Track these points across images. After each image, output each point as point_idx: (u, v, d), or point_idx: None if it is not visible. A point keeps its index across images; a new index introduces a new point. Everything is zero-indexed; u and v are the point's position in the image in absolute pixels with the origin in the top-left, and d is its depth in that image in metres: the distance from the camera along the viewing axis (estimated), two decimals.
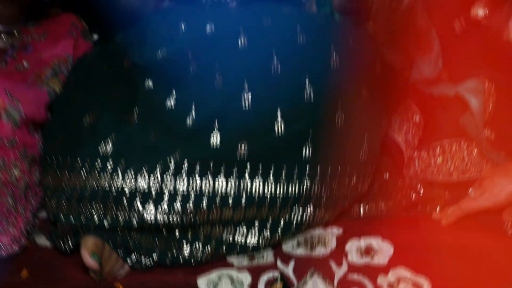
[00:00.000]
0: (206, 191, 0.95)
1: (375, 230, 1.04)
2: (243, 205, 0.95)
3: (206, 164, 0.95)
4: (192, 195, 0.94)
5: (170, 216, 0.94)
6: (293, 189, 0.97)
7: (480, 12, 1.06)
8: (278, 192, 0.97)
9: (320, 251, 1.00)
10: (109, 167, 0.96)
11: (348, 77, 1.03)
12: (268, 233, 0.99)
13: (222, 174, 0.95)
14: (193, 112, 1.00)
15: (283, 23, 1.06)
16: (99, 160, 0.96)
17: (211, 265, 0.98)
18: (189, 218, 0.95)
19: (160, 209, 0.94)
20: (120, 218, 0.94)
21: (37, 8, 1.21)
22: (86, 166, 0.96)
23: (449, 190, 1.11)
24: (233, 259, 0.99)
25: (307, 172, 0.97)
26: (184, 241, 0.98)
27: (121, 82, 1.11)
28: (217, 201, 0.95)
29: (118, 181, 0.94)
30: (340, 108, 1.00)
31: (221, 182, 0.95)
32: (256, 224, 0.98)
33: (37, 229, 1.05)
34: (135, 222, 0.94)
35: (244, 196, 0.95)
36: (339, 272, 0.97)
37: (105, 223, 0.94)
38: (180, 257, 0.97)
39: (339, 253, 1.00)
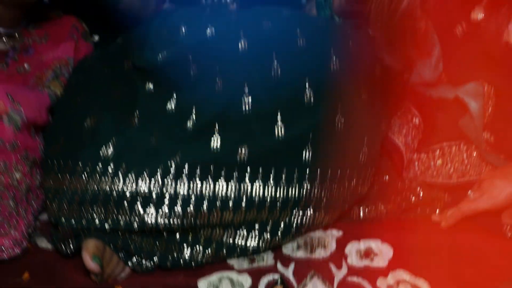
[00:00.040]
0: (207, 194, 0.95)
1: (375, 233, 1.04)
2: (243, 208, 0.96)
3: (207, 168, 0.96)
4: (193, 198, 0.95)
5: (171, 219, 0.94)
6: (293, 192, 0.97)
7: (480, 15, 1.06)
8: (278, 195, 0.97)
9: (320, 253, 1.01)
10: (110, 170, 0.96)
11: (348, 80, 1.04)
12: (268, 236, 0.99)
13: (222, 177, 0.96)
14: (194, 115, 1.01)
15: (283, 26, 1.06)
16: (100, 163, 0.97)
17: (212, 268, 0.98)
18: (189, 221, 0.95)
19: (161, 212, 0.94)
20: (121, 221, 0.94)
21: (38, 10, 1.21)
22: (87, 169, 0.97)
23: (449, 192, 1.11)
24: (233, 262, 1.00)
25: (307, 175, 0.98)
26: (184, 244, 0.98)
27: (122, 85, 1.11)
28: (218, 204, 0.95)
29: (119, 184, 0.95)
30: (340, 111, 1.01)
31: (221, 185, 0.96)
32: (257, 227, 0.99)
33: (38, 231, 1.06)
34: (136, 225, 0.95)
35: (244, 199, 0.96)
36: (339, 274, 0.97)
37: (106, 226, 0.95)
38: (181, 259, 0.98)
39: (338, 255, 1.00)
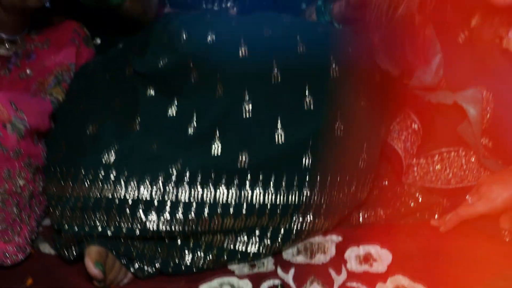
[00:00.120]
0: (208, 200, 0.96)
1: (374, 238, 1.05)
2: (244, 214, 0.97)
3: (208, 174, 0.97)
4: (194, 205, 0.96)
5: (172, 226, 0.96)
6: (293, 198, 0.98)
7: (476, 23, 1.07)
8: (278, 201, 0.98)
9: (319, 258, 1.02)
10: (112, 177, 0.97)
11: (347, 87, 1.05)
12: (268, 241, 1.00)
13: (223, 184, 0.97)
14: (195, 121, 1.02)
15: (284, 32, 1.07)
16: (102, 169, 0.98)
17: (213, 273, 0.99)
18: (191, 227, 0.96)
19: (162, 219, 0.95)
20: (123, 228, 0.96)
21: (39, 15, 1.22)
22: (89, 176, 0.98)
23: (448, 197, 1.12)
24: (234, 267, 1.01)
25: (307, 181, 0.99)
26: (186, 249, 0.99)
27: (123, 90, 1.12)
28: (219, 210, 0.96)
29: (121, 191, 0.96)
30: (340, 117, 1.02)
31: (222, 192, 0.97)
32: (257, 232, 1.00)
33: (41, 237, 1.07)
34: (138, 232, 0.96)
35: (245, 205, 0.97)
36: (339, 279, 0.98)
37: (109, 232, 0.96)
38: (182, 265, 0.99)
39: (338, 260, 1.01)
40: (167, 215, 0.95)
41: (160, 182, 0.96)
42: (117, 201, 0.96)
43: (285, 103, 1.01)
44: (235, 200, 0.97)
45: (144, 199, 0.96)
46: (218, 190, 0.96)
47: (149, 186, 0.96)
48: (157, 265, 0.99)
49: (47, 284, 0.98)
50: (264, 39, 1.06)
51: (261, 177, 0.98)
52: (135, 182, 0.96)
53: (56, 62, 1.21)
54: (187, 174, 0.96)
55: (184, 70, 1.05)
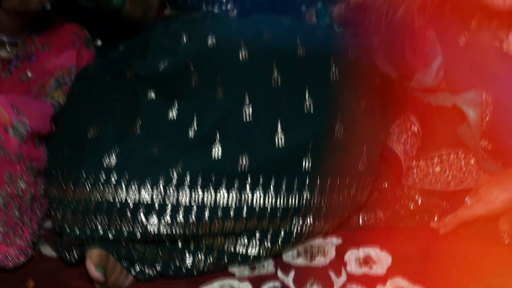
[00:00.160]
0: (208, 203, 0.97)
1: (374, 240, 1.05)
2: (244, 216, 0.98)
3: (208, 177, 0.97)
4: (194, 207, 0.97)
5: (173, 228, 0.96)
6: (293, 200, 0.99)
7: (475, 25, 1.07)
8: (278, 203, 0.99)
9: (319, 261, 1.02)
10: (113, 180, 0.98)
11: (347, 89, 1.05)
12: (268, 244, 1.01)
13: (223, 187, 0.97)
14: (195, 124, 1.02)
15: (284, 35, 1.08)
16: (103, 173, 0.98)
17: (213, 275, 1.00)
18: (191, 229, 0.97)
19: (163, 221, 0.96)
20: (124, 230, 0.96)
21: (40, 17, 1.22)
22: (90, 179, 0.98)
23: (447, 199, 1.13)
24: (234, 269, 1.02)
25: (307, 183, 0.99)
26: (186, 252, 1.00)
27: (124, 94, 1.13)
28: (219, 213, 0.97)
29: (122, 194, 0.97)
30: (340, 120, 1.02)
31: (222, 195, 0.97)
32: (257, 235, 1.00)
33: (43, 239, 1.07)
34: (138, 234, 0.96)
35: (245, 207, 0.98)
36: (338, 282, 0.99)
37: (110, 235, 0.96)
38: (183, 267, 0.99)
39: (338, 263, 1.02)
40: (168, 218, 0.96)
41: (161, 185, 0.96)
42: (118, 204, 0.96)
43: (285, 106, 1.02)
44: (235, 203, 0.97)
45: (145, 202, 0.96)
46: (218, 193, 0.97)
47: (150, 189, 0.96)
48: (158, 267, 0.99)
49: (49, 287, 0.99)
50: (264, 42, 1.06)
51: (261, 180, 0.98)
52: (136, 186, 0.97)
53: (56, 64, 1.21)
54: (188, 177, 0.97)
55: (185, 73, 1.06)
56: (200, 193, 0.97)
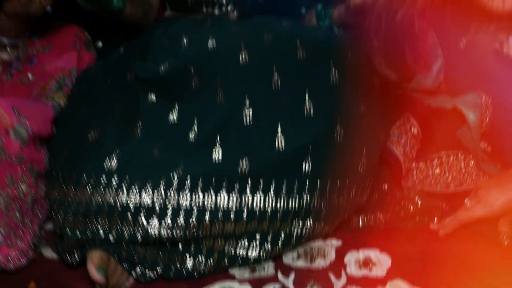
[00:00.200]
0: (209, 206, 0.97)
1: (374, 242, 1.06)
2: (244, 219, 0.98)
3: (209, 180, 0.97)
4: (195, 210, 0.97)
5: (174, 231, 0.96)
6: (293, 203, 0.99)
7: (474, 29, 1.07)
8: (278, 206, 0.99)
9: (319, 263, 1.03)
10: (114, 182, 0.98)
11: (347, 92, 1.05)
12: (269, 246, 1.01)
13: (224, 189, 0.98)
14: (196, 126, 1.02)
15: (284, 38, 1.08)
16: (104, 175, 0.99)
17: (214, 277, 1.00)
18: (192, 232, 0.97)
19: (164, 224, 0.96)
20: (125, 233, 0.96)
21: (41, 20, 1.22)
22: (91, 182, 0.99)
23: (447, 201, 1.13)
24: (235, 271, 1.02)
25: (307, 186, 0.99)
26: (187, 254, 1.00)
27: (124, 96, 1.13)
28: (219, 216, 0.97)
29: (123, 196, 0.97)
30: (339, 123, 1.03)
31: (223, 197, 0.98)
32: (257, 237, 1.01)
33: (44, 241, 1.08)
34: (139, 237, 0.97)
35: (245, 210, 0.98)
36: (338, 284, 0.99)
37: (111, 237, 0.96)
38: (184, 269, 1.00)
39: (338, 265, 1.02)
40: (168, 221, 0.96)
41: (161, 188, 0.97)
42: (119, 206, 0.97)
43: (285, 109, 1.02)
44: (235, 206, 0.98)
45: (145, 204, 0.96)
46: (219, 196, 0.97)
47: (151, 192, 0.97)
48: (159, 269, 0.99)
49: None
50: (264, 45, 1.06)
51: (261, 182, 0.98)
52: (137, 188, 0.97)
53: (57, 66, 1.22)
54: (188, 180, 0.97)
55: (185, 76, 1.06)
56: (201, 196, 0.97)
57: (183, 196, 0.97)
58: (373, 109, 1.09)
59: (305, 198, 0.99)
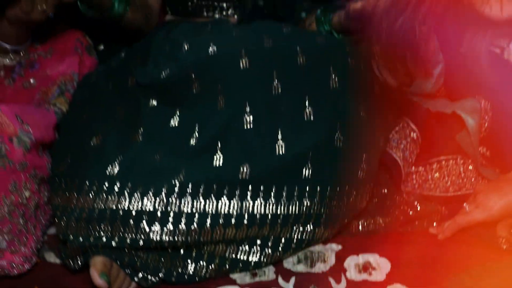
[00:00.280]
0: (210, 211, 0.98)
1: (373, 246, 1.07)
2: (245, 225, 0.99)
3: (210, 186, 0.98)
4: (197, 216, 0.98)
5: (176, 236, 0.97)
6: (294, 208, 1.00)
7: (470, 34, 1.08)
8: (279, 211, 1.00)
9: (319, 267, 1.04)
10: (116, 188, 0.99)
11: (347, 98, 1.06)
12: (269, 251, 1.02)
13: (225, 195, 0.98)
14: (197, 132, 1.03)
15: (284, 44, 1.08)
16: (106, 182, 0.99)
17: (215, 282, 1.01)
18: (193, 237, 0.98)
19: (165, 229, 0.97)
20: (128, 239, 0.97)
21: (43, 24, 1.23)
22: (94, 188, 1.00)
23: (446, 205, 1.14)
24: (236, 276, 1.03)
25: (307, 191, 1.00)
26: (189, 259, 1.01)
27: (126, 101, 1.14)
28: (220, 221, 0.98)
29: (125, 203, 0.98)
30: (339, 128, 1.03)
31: (224, 203, 0.98)
32: (258, 242, 1.02)
33: (47, 246, 1.08)
34: (141, 242, 0.97)
35: (246, 216, 0.99)
36: None
37: (113, 243, 0.97)
38: (185, 274, 1.01)
39: (338, 269, 1.03)
40: (170, 226, 0.97)
41: (163, 193, 0.98)
42: (121, 212, 0.97)
43: (285, 114, 1.03)
44: (236, 211, 0.98)
45: (147, 210, 0.97)
46: (220, 201, 0.98)
47: (153, 197, 0.97)
48: (161, 274, 1.00)
49: None
50: (264, 50, 1.07)
51: (262, 188, 0.99)
52: (138, 194, 0.98)
53: (59, 71, 1.22)
54: (190, 185, 0.98)
55: (186, 81, 1.07)
56: (202, 201, 0.98)
57: (184, 202, 0.98)
58: (372, 115, 1.09)
59: (305, 204, 1.00)
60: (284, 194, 1.00)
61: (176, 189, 0.98)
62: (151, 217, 0.97)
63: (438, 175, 1.15)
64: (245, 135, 1.01)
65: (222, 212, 0.98)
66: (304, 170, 1.00)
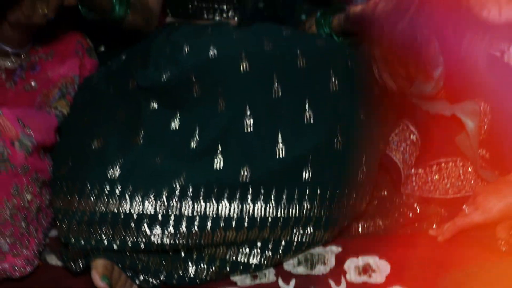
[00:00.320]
0: (210, 214, 0.99)
1: (373, 248, 1.07)
2: (245, 227, 0.99)
3: (210, 189, 0.99)
4: (197, 218, 0.98)
5: (176, 239, 0.98)
6: (294, 211, 1.01)
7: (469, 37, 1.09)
8: (279, 214, 1.00)
9: (319, 269, 1.04)
10: (117, 191, 0.99)
11: (347, 101, 1.06)
12: (270, 253, 1.03)
13: (225, 198, 0.99)
14: (197, 135, 1.03)
15: (284, 47, 1.09)
16: (107, 184, 1.00)
17: (216, 284, 1.02)
18: (194, 240, 0.98)
19: (166, 232, 0.98)
20: (129, 241, 0.98)
21: (44, 27, 1.23)
22: (95, 191, 1.00)
23: (445, 207, 1.14)
24: (236, 278, 1.03)
25: (307, 194, 1.01)
26: (189, 262, 1.01)
27: (126, 103, 1.14)
28: (221, 224, 0.99)
29: (126, 206, 0.98)
30: (339, 131, 1.04)
31: (224, 206, 0.99)
32: (259, 244, 1.02)
33: (48, 248, 1.09)
34: (142, 245, 0.98)
35: (246, 218, 0.99)
36: None
37: (114, 246, 0.98)
38: (186, 277, 1.01)
39: (338, 271, 1.03)
40: (171, 229, 0.98)
41: (164, 196, 0.98)
42: (122, 215, 0.98)
43: (285, 117, 1.03)
44: (237, 214, 0.99)
45: (148, 213, 0.98)
46: (220, 204, 0.99)
47: (154, 200, 0.98)
48: (162, 277, 1.01)
49: None
50: (264, 53, 1.07)
51: (262, 191, 1.00)
52: (139, 197, 0.98)
53: (60, 74, 1.22)
54: (190, 188, 0.99)
55: (186, 84, 1.07)
56: (203, 204, 0.98)
57: (185, 205, 0.98)
58: (372, 117, 1.10)
59: (305, 206, 1.01)
60: (284, 196, 1.00)
61: (177, 192, 0.98)
62: (152, 220, 0.98)
63: (438, 177, 1.16)
64: (246, 138, 1.02)
65: (223, 215, 0.99)
66: (304, 172, 1.01)
